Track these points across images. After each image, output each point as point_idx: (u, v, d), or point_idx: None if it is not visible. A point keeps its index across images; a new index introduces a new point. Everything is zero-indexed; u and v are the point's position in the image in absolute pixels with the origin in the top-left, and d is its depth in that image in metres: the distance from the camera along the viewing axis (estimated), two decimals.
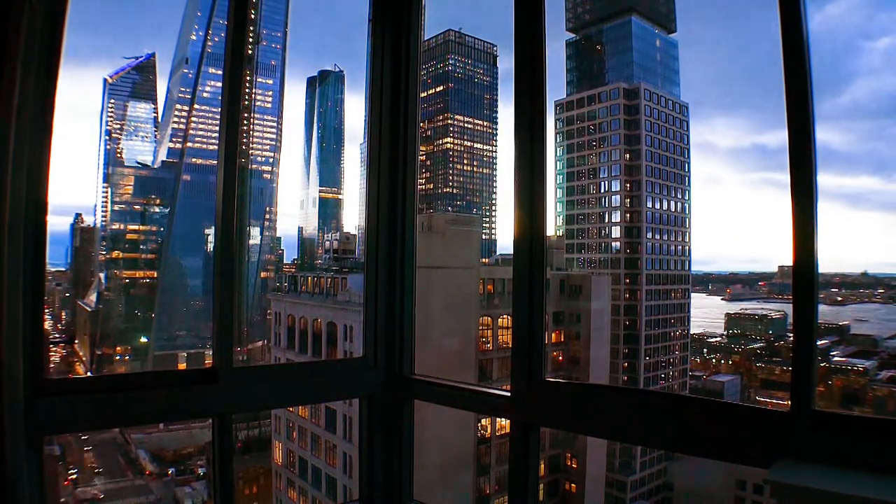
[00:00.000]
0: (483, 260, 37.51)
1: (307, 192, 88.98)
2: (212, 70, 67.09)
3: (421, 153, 4.27)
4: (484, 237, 66.92)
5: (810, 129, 2.47)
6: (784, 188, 2.52)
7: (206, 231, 62.09)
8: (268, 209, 71.60)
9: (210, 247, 59.09)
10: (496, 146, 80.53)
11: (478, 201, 79.29)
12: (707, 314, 53.83)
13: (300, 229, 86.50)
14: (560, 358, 34.21)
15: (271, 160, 72.62)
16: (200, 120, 68.33)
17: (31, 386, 2.72)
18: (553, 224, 47.39)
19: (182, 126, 68.44)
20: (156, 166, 68.48)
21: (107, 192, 66.24)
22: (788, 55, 2.51)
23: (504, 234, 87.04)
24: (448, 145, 77.48)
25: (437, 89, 76.19)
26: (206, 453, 43.16)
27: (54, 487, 36.86)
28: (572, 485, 33.91)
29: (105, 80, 70.59)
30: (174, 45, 70.29)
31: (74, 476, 43.90)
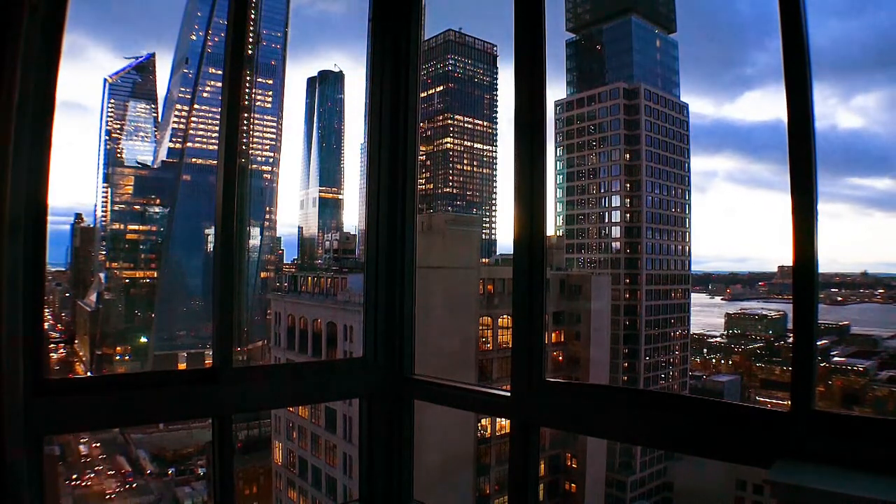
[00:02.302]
0: (483, 260, 37.54)
1: (307, 192, 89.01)
2: (212, 70, 67.07)
3: (421, 153, 4.27)
4: (484, 237, 66.94)
5: (810, 129, 2.47)
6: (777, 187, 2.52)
7: (206, 231, 62.12)
8: (268, 209, 71.60)
9: (210, 247, 59.12)
10: (496, 146, 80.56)
11: (478, 201, 79.30)
12: (707, 314, 53.84)
13: (300, 229, 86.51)
14: (560, 358, 34.20)
15: (271, 160, 72.64)
16: (200, 120, 68.35)
17: (31, 386, 2.72)
18: (553, 224, 47.44)
19: (182, 126, 68.45)
20: (156, 166, 68.49)
21: (107, 192, 66.27)
22: (788, 56, 2.50)
23: (504, 234, 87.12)
24: (448, 145, 77.48)
25: (437, 89, 76.16)
26: (206, 453, 43.19)
27: (54, 487, 36.84)
28: (572, 485, 33.91)
29: (105, 80, 70.64)
30: (174, 45, 70.39)
31: (76, 477, 43.93)
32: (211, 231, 51.96)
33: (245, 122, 68.06)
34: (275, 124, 73.40)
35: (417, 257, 4.11)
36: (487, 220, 78.59)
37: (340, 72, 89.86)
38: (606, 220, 45.81)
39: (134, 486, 43.96)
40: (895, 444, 2.19)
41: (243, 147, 65.57)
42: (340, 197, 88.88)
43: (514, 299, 3.32)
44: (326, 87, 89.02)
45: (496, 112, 79.44)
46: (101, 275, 64.12)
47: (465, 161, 78.57)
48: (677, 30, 50.72)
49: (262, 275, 67.15)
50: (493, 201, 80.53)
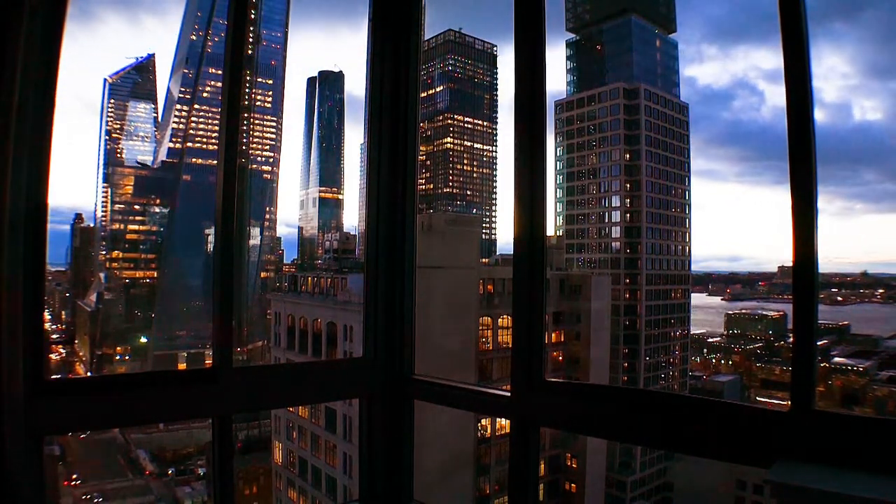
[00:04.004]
0: (483, 260, 37.53)
1: (307, 192, 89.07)
2: (212, 70, 67.08)
3: (421, 153, 4.26)
4: (484, 237, 67.00)
5: (810, 128, 2.47)
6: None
7: (206, 231, 62.14)
8: (268, 209, 71.65)
9: (210, 247, 59.15)
10: (496, 146, 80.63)
11: (478, 201, 79.35)
12: (707, 314, 53.80)
13: (300, 229, 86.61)
14: (560, 358, 34.19)
15: (271, 160, 72.69)
16: (200, 120, 68.36)
17: (31, 386, 2.72)
18: (553, 224, 47.46)
19: (182, 126, 68.46)
20: (156, 166, 68.49)
21: (107, 192, 66.30)
22: (788, 53, 2.50)
23: (504, 234, 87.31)
24: (448, 145, 77.52)
25: (437, 89, 76.21)
26: (206, 453, 43.23)
27: (54, 487, 36.88)
28: (572, 485, 33.91)
29: (105, 80, 70.67)
30: (174, 45, 70.43)
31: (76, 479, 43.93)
32: (211, 231, 51.97)
33: (245, 122, 68.06)
34: (275, 124, 73.44)
35: (417, 257, 4.11)
36: (487, 220, 78.65)
37: (340, 72, 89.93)
38: (606, 220, 45.80)
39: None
40: (895, 444, 2.19)
41: (243, 147, 65.61)
42: (340, 197, 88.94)
43: (514, 299, 3.32)
44: (326, 87, 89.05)
45: (496, 112, 79.53)
46: (101, 275, 64.10)
47: (465, 161, 78.60)
48: None
49: (262, 275, 67.18)
50: (493, 201, 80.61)
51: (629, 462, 38.37)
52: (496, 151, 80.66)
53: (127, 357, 60.31)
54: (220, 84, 3.59)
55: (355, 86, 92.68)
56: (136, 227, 65.01)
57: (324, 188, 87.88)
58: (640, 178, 44.51)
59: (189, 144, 67.68)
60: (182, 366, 55.31)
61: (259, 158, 71.26)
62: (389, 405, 3.99)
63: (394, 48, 4.06)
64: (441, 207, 74.03)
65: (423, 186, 73.98)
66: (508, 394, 3.36)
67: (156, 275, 64.11)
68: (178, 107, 68.32)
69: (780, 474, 2.23)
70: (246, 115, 68.30)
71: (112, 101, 70.31)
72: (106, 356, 59.97)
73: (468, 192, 78.83)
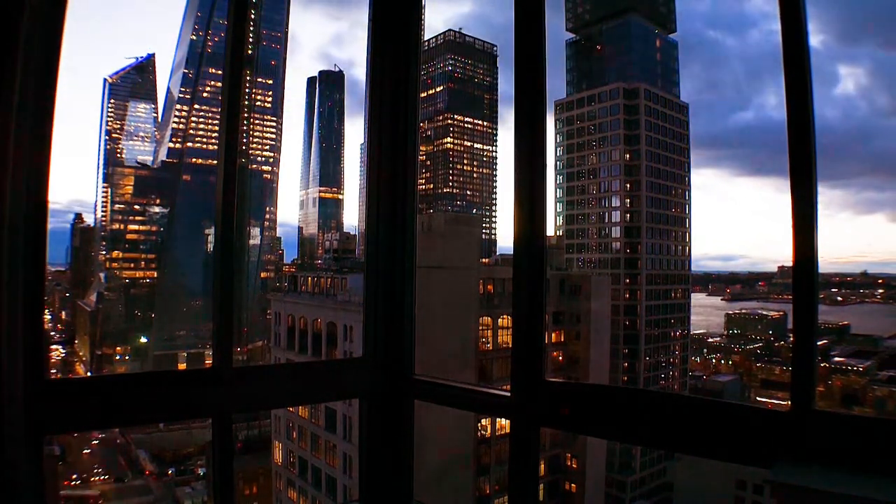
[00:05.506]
0: (483, 260, 37.51)
1: (307, 192, 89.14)
2: (212, 70, 67.06)
3: (421, 153, 4.26)
4: (484, 237, 67.00)
5: (810, 129, 2.47)
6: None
7: (206, 231, 62.17)
8: (268, 209, 71.65)
9: (210, 247, 59.17)
10: (496, 146, 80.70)
11: (478, 201, 79.40)
12: (707, 314, 53.76)
13: (300, 229, 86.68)
14: (560, 358, 34.17)
15: (271, 160, 72.68)
16: (200, 120, 68.33)
17: (31, 386, 2.72)
18: (553, 224, 47.48)
19: (182, 126, 68.42)
20: (156, 166, 68.47)
21: (107, 192, 66.29)
22: (788, 55, 2.50)
23: (504, 234, 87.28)
24: (448, 145, 77.56)
25: (437, 89, 76.26)
26: (206, 453, 43.26)
27: (54, 487, 36.85)
28: (572, 485, 33.89)
29: (105, 80, 70.69)
30: (174, 45, 70.45)
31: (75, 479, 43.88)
32: (211, 231, 51.97)
33: (245, 122, 68.02)
34: (275, 124, 73.43)
35: (417, 257, 4.10)
36: (487, 220, 78.70)
37: (340, 72, 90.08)
38: (606, 220, 45.78)
39: None
40: (895, 444, 2.19)
41: (243, 147, 65.59)
42: (340, 197, 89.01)
43: (514, 299, 3.32)
44: (326, 87, 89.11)
45: (496, 112, 79.63)
46: (101, 275, 64.08)
47: (465, 161, 78.66)
48: None
49: (262, 275, 67.17)
50: (493, 201, 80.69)
51: (629, 462, 38.36)
52: (496, 151, 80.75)
53: (127, 357, 60.30)
54: (220, 84, 3.59)
55: (356, 85, 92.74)
56: (136, 227, 64.99)
57: (324, 188, 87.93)
58: (639, 178, 44.51)
59: (189, 144, 67.66)
60: (182, 366, 55.32)
61: (259, 158, 71.26)
62: (389, 405, 3.99)
63: (394, 48, 4.06)
64: (441, 207, 74.06)
65: (423, 186, 74.04)
66: (508, 394, 3.36)
67: (156, 275, 64.09)
68: (178, 107, 68.31)
69: (781, 474, 2.23)
70: (246, 115, 68.32)
71: (112, 101, 70.33)
72: (106, 356, 59.96)
73: (468, 192, 78.89)
